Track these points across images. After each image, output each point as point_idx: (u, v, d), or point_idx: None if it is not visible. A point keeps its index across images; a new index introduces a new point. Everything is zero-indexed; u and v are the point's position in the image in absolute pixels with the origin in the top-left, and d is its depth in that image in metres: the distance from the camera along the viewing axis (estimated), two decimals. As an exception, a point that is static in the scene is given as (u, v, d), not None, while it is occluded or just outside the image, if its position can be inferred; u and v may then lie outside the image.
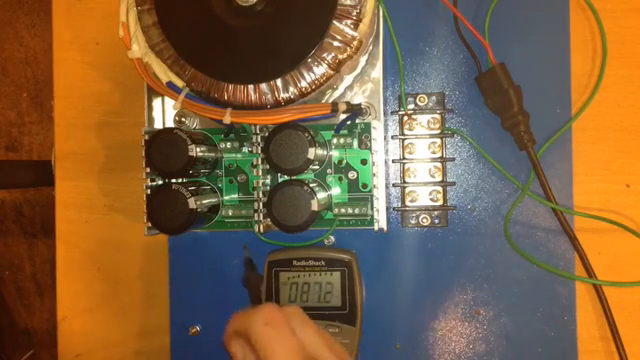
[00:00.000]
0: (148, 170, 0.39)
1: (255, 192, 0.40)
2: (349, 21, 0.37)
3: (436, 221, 0.44)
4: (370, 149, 0.41)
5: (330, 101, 0.41)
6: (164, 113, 0.44)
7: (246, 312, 0.29)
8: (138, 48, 0.39)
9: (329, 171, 0.42)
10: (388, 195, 0.44)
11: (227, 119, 0.38)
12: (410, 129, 0.44)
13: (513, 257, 0.43)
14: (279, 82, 0.37)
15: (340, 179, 0.42)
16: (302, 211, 0.37)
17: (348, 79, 0.41)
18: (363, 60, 0.41)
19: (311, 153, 0.37)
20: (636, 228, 0.42)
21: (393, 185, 0.44)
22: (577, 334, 0.42)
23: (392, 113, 0.44)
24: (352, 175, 0.42)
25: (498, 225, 0.43)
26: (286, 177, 0.40)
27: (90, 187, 0.48)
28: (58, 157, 0.49)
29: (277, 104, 0.38)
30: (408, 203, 0.44)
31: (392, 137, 0.44)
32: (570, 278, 0.42)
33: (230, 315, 0.31)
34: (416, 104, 0.44)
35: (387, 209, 0.43)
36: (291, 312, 0.29)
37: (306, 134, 0.37)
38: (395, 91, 0.44)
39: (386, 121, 0.43)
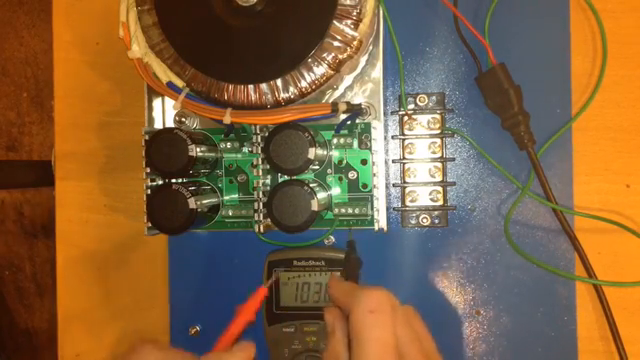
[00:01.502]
0: (148, 170, 0.39)
1: (255, 192, 0.40)
2: (349, 21, 0.37)
3: (436, 221, 0.44)
4: (370, 149, 0.41)
5: (330, 101, 0.41)
6: (164, 113, 0.44)
7: (354, 289, 0.28)
8: (138, 48, 0.39)
9: (329, 171, 0.42)
10: (388, 195, 0.44)
11: (227, 119, 0.38)
12: (410, 129, 0.44)
13: (513, 257, 0.43)
14: (279, 82, 0.37)
15: (340, 179, 0.42)
16: (302, 211, 0.37)
17: (348, 79, 0.41)
18: (363, 60, 0.41)
19: (311, 153, 0.37)
20: (636, 228, 0.42)
21: (393, 185, 0.44)
22: (577, 334, 0.42)
23: (392, 113, 0.44)
24: (352, 175, 0.42)
25: (498, 225, 0.43)
26: (286, 177, 0.40)
27: (90, 187, 0.48)
28: (58, 157, 0.49)
29: (277, 104, 0.38)
30: (408, 203, 0.44)
31: (392, 137, 0.44)
32: (570, 278, 0.42)
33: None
34: (416, 104, 0.44)
35: (387, 209, 0.43)
36: (401, 307, 0.28)
37: (306, 134, 0.37)
38: (395, 91, 0.44)
39: (386, 121, 0.43)
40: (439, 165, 0.43)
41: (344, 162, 0.42)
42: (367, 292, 0.26)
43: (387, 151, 0.43)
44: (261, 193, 0.39)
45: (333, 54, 0.37)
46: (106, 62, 0.48)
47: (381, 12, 0.41)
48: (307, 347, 0.42)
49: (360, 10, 0.37)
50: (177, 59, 0.38)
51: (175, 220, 0.37)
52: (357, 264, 0.41)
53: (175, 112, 0.43)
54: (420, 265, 0.44)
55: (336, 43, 0.37)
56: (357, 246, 0.43)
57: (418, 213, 0.44)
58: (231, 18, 0.37)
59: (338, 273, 0.40)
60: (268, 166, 0.38)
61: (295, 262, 0.43)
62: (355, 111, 0.40)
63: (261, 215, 0.39)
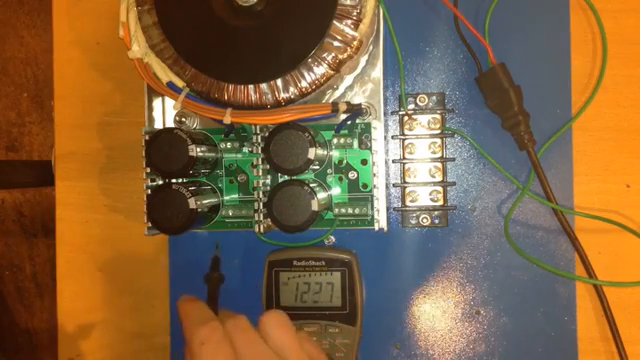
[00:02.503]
0: (148, 170, 0.39)
1: (255, 192, 0.40)
2: (349, 21, 0.37)
3: (436, 221, 0.44)
4: (370, 149, 0.41)
5: (330, 101, 0.41)
6: (164, 113, 0.44)
7: (191, 323, 0.30)
8: (138, 48, 0.39)
9: (329, 171, 0.42)
10: (388, 195, 0.44)
11: (227, 119, 0.38)
12: (410, 129, 0.44)
13: (513, 257, 0.43)
14: (279, 82, 0.37)
15: (340, 179, 0.42)
16: (302, 211, 0.37)
17: (348, 79, 0.41)
18: (363, 60, 0.41)
19: (311, 153, 0.37)
20: (636, 228, 0.42)
21: (393, 185, 0.44)
22: (577, 334, 0.42)
23: (392, 113, 0.44)
24: (352, 175, 0.42)
25: (498, 225, 0.43)
26: (286, 177, 0.40)
27: (90, 187, 0.48)
28: (58, 157, 0.49)
29: (277, 104, 0.38)
30: (408, 203, 0.44)
31: (392, 137, 0.44)
32: (570, 278, 0.42)
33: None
34: (416, 104, 0.44)
35: (387, 209, 0.43)
36: (233, 324, 0.30)
37: (306, 134, 0.37)
38: (395, 91, 0.44)
39: (386, 121, 0.43)
40: (439, 165, 0.43)
41: (344, 162, 0.42)
42: (197, 328, 0.30)
43: (387, 151, 0.43)
44: (261, 193, 0.39)
45: (333, 54, 0.37)
46: (106, 62, 0.48)
47: (381, 12, 0.41)
48: (307, 347, 0.42)
49: (360, 10, 0.37)
50: (177, 59, 0.38)
51: (175, 220, 0.37)
52: (218, 283, 0.42)
53: (175, 112, 0.43)
54: (420, 265, 0.44)
55: (336, 43, 0.37)
56: (219, 262, 0.44)
57: (418, 213, 0.44)
58: (231, 18, 0.37)
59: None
60: (268, 166, 0.38)
61: (295, 262, 0.43)
62: (355, 111, 0.40)
63: (261, 215, 0.39)
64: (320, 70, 0.37)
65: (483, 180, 0.44)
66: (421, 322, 0.44)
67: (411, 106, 0.44)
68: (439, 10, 0.44)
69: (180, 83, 0.39)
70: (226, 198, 0.43)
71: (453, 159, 0.44)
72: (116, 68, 0.48)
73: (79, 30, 0.49)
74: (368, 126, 0.41)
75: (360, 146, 0.42)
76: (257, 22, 0.37)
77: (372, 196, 0.41)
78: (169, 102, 0.43)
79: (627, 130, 0.43)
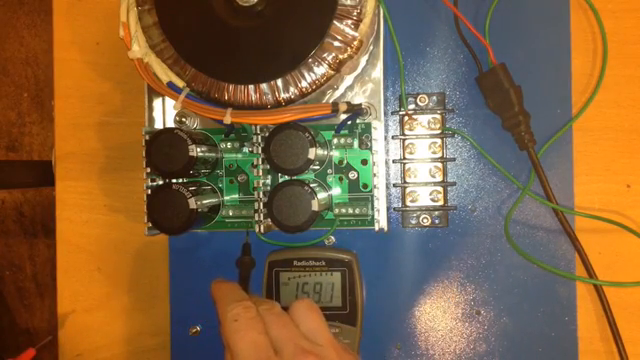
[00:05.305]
0: (148, 170, 0.39)
1: (255, 192, 0.40)
2: (349, 21, 0.37)
3: (436, 221, 0.44)
4: (370, 149, 0.41)
5: (331, 101, 0.41)
6: (164, 113, 0.44)
7: (224, 302, 0.32)
8: (138, 48, 0.39)
9: (329, 171, 0.42)
10: (388, 195, 0.44)
11: (227, 119, 0.38)
12: (410, 129, 0.44)
13: (513, 257, 0.43)
14: (279, 82, 0.37)
15: (340, 179, 0.42)
16: (302, 211, 0.37)
17: (349, 79, 0.41)
18: (364, 60, 0.41)
19: (311, 153, 0.36)
20: (636, 228, 0.42)
21: (394, 185, 0.44)
22: (578, 334, 0.42)
23: (393, 113, 0.44)
24: (352, 175, 0.42)
25: (498, 225, 0.43)
26: (286, 177, 0.40)
27: (90, 187, 0.48)
28: (58, 157, 0.49)
29: (278, 104, 0.38)
30: (409, 203, 0.44)
31: (392, 137, 0.44)
32: (571, 278, 0.42)
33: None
34: (417, 104, 0.44)
35: (387, 209, 0.42)
36: (266, 308, 0.32)
37: (306, 134, 0.37)
38: (395, 91, 0.44)
39: (386, 121, 0.43)
40: (439, 165, 0.43)
41: (344, 162, 0.42)
42: (230, 307, 0.31)
43: (387, 151, 0.43)
44: (261, 193, 0.39)
45: (333, 54, 0.37)
46: (106, 62, 0.48)
47: (381, 12, 0.41)
48: (307, 347, 0.42)
49: (360, 10, 0.37)
50: (177, 59, 0.38)
51: (175, 220, 0.37)
52: (249, 266, 0.43)
53: (175, 112, 0.43)
54: (420, 265, 0.44)
55: (336, 43, 0.37)
56: (251, 249, 0.44)
57: (418, 213, 0.44)
58: (231, 18, 0.37)
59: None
60: (268, 166, 0.38)
61: (295, 262, 0.43)
62: (355, 111, 0.40)
63: (261, 215, 0.39)
64: (320, 70, 0.37)
65: (483, 180, 0.44)
66: (421, 322, 0.44)
67: (411, 106, 0.44)
68: (439, 10, 0.44)
69: (180, 83, 0.38)
70: (226, 198, 0.43)
71: (453, 159, 0.44)
72: (116, 68, 0.48)
73: (79, 30, 0.49)
74: (368, 126, 0.41)
75: (360, 146, 0.42)
76: (257, 22, 0.37)
77: (372, 196, 0.41)
78: (169, 102, 0.43)
79: (627, 130, 0.43)
